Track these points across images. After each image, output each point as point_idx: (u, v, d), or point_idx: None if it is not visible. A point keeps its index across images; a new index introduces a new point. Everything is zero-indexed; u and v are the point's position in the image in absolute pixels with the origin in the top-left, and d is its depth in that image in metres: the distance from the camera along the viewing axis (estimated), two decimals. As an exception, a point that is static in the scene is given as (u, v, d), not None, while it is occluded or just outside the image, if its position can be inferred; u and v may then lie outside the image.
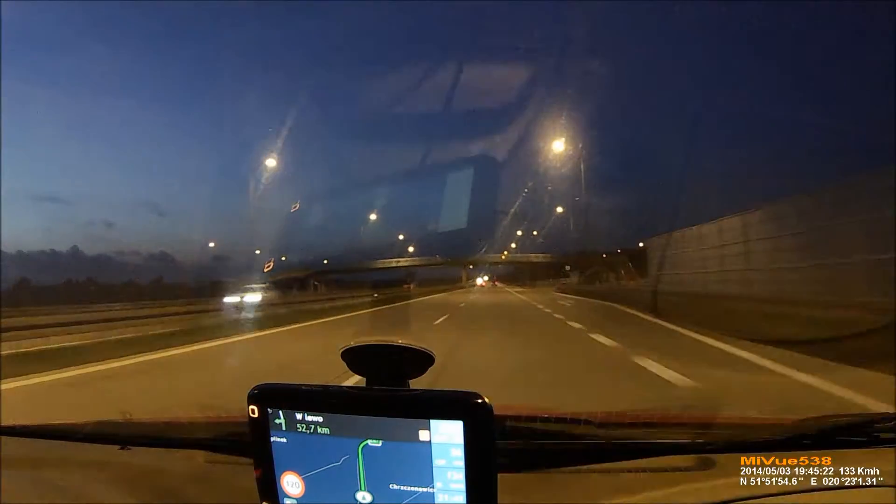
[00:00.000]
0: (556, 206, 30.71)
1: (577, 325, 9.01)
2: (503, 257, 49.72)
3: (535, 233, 41.94)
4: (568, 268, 40.16)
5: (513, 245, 47.12)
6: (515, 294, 29.07)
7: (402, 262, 49.30)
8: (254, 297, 17.62)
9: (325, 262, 44.84)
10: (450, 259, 52.86)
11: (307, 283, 40.67)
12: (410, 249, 47.94)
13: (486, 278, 64.82)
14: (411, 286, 40.91)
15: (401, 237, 40.84)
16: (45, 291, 27.37)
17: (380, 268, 49.25)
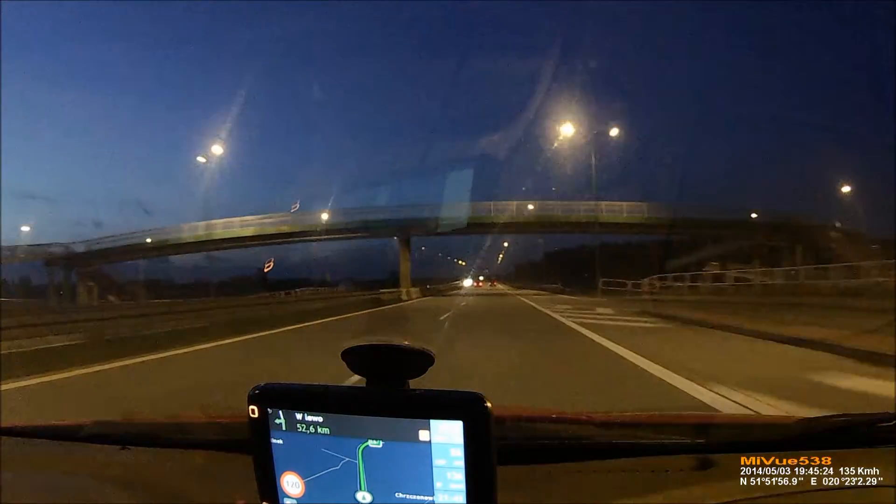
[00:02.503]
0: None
1: None
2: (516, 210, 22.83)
3: (614, 132, 20.11)
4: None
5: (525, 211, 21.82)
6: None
7: (251, 226, 24.07)
8: None
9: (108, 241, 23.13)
10: (381, 224, 25.08)
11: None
12: (324, 216, 24.00)
13: (480, 277, 36.95)
14: (294, 293, 22.15)
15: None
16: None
17: (209, 240, 24.29)
